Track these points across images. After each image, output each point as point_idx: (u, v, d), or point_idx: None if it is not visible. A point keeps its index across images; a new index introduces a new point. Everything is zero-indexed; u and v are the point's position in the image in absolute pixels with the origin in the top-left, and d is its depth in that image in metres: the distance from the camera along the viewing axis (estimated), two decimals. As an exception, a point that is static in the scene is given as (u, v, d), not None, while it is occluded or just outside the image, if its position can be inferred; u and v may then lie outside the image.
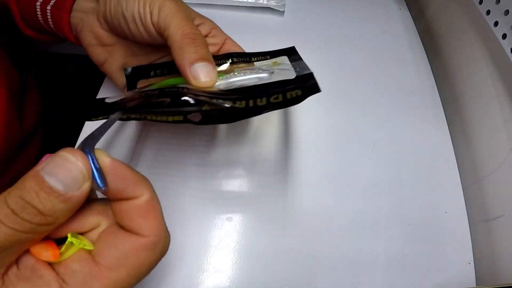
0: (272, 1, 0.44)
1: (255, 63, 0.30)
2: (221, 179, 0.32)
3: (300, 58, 0.30)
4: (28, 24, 0.31)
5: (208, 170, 0.32)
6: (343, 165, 0.33)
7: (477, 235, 0.31)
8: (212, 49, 0.29)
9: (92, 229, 0.18)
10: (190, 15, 0.26)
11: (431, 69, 0.42)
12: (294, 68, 0.27)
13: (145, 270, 0.17)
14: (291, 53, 0.31)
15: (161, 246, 0.17)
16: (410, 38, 0.45)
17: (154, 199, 0.17)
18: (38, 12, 0.29)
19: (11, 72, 0.35)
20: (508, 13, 0.29)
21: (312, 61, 0.40)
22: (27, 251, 0.16)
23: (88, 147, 0.17)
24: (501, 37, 0.30)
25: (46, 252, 0.15)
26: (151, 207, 0.17)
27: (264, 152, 0.33)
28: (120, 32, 0.27)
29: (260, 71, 0.27)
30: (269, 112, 0.22)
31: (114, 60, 0.29)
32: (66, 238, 0.16)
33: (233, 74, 0.27)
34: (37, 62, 0.33)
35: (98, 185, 0.16)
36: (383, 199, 0.32)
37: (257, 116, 0.21)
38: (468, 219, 0.32)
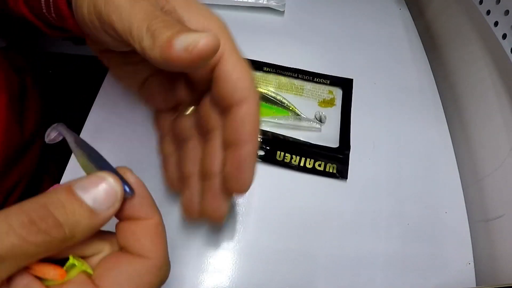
0: (272, 1, 0.44)
1: (311, 85, 0.38)
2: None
3: (350, 99, 0.37)
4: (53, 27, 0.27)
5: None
6: (343, 165, 0.34)
7: (477, 235, 0.31)
8: None
9: (93, 255, 0.17)
10: None
11: (431, 69, 0.42)
12: (340, 125, 0.35)
13: None
14: (347, 87, 0.38)
15: (163, 271, 0.17)
16: (410, 38, 0.45)
17: (162, 224, 0.17)
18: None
19: (11, 75, 0.34)
20: (508, 13, 0.29)
21: (312, 61, 0.40)
22: (23, 269, 0.14)
23: (104, 163, 0.17)
24: (501, 37, 0.30)
25: (53, 271, 0.14)
26: (159, 231, 0.17)
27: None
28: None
29: (314, 123, 0.35)
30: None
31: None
32: (64, 260, 0.15)
33: (288, 118, 0.35)
34: (37, 63, 0.32)
35: (125, 190, 0.16)
36: (383, 199, 0.32)
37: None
38: (468, 219, 0.32)
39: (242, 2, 0.43)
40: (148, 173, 0.31)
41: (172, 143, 0.25)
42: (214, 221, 0.21)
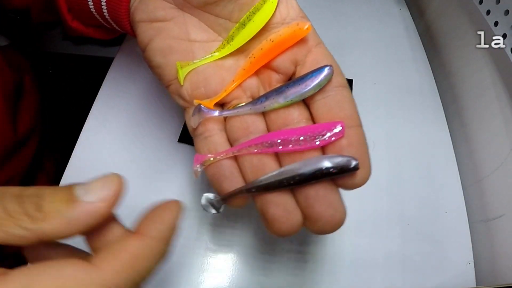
0: (272, 1, 0.44)
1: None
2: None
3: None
4: (75, 15, 0.27)
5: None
6: (343, 165, 0.34)
7: (477, 235, 0.31)
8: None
9: None
10: None
11: (431, 69, 0.42)
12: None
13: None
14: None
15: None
16: (410, 38, 0.45)
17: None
18: (90, 3, 0.25)
19: (7, 74, 0.34)
20: (508, 13, 0.29)
21: (312, 61, 0.40)
22: None
23: None
24: (501, 37, 0.30)
25: None
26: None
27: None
28: None
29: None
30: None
31: (160, 39, 0.22)
32: None
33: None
34: (36, 63, 0.31)
35: None
36: (383, 199, 0.32)
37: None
38: (468, 219, 0.32)
39: (242, 2, 0.43)
40: (149, 171, 0.31)
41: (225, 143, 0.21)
42: (331, 228, 0.19)
